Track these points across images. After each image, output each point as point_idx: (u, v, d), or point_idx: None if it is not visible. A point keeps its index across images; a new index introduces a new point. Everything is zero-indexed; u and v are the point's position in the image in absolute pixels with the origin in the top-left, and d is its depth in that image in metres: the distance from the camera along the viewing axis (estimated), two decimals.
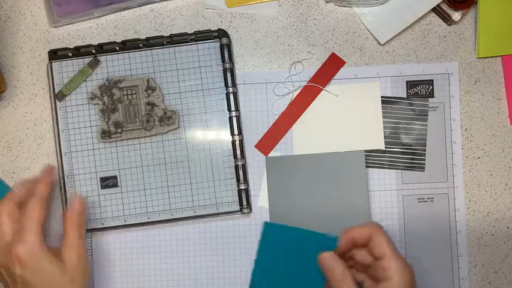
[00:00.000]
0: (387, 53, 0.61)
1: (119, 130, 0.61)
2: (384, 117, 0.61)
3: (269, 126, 0.61)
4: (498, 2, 0.60)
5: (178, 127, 0.61)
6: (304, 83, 0.61)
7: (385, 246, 0.47)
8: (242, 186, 0.60)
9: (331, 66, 0.61)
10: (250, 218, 0.61)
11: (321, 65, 0.61)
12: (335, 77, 0.61)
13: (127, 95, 0.61)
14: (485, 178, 0.61)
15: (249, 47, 0.62)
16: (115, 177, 0.61)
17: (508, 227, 0.60)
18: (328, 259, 0.49)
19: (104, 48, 0.61)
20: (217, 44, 0.61)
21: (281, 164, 0.60)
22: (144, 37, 0.61)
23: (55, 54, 0.61)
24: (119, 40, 0.62)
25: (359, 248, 0.51)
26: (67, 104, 0.61)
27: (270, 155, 0.61)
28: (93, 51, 0.61)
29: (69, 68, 0.61)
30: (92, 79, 0.61)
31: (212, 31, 0.61)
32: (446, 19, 0.61)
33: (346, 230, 0.50)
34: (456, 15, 0.60)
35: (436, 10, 0.61)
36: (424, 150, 0.60)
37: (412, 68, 0.61)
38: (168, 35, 0.61)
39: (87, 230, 0.60)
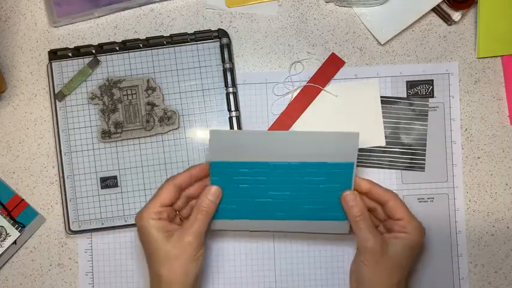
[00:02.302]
0: (387, 53, 0.61)
1: (119, 130, 0.61)
2: (384, 117, 0.61)
3: (269, 126, 0.61)
4: (498, 2, 0.60)
5: (178, 127, 0.61)
6: (304, 83, 0.61)
7: (403, 210, 0.52)
8: None
9: (331, 66, 0.61)
10: None
11: (320, 65, 0.61)
12: (335, 77, 0.61)
13: (127, 95, 0.61)
14: (485, 178, 0.61)
15: (249, 47, 0.62)
16: (115, 177, 0.61)
17: (508, 227, 0.60)
18: (350, 196, 0.53)
19: (104, 48, 0.61)
20: (217, 44, 0.61)
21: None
22: (144, 37, 0.61)
23: (55, 54, 0.61)
24: (119, 40, 0.62)
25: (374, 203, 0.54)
26: (67, 104, 0.61)
27: None
28: (93, 51, 0.61)
29: (69, 68, 0.61)
30: (92, 79, 0.61)
31: (212, 31, 0.61)
32: (446, 19, 0.61)
33: (371, 182, 0.53)
34: (456, 15, 0.60)
35: (436, 10, 0.61)
36: (424, 150, 0.60)
37: (412, 68, 0.61)
38: (168, 35, 0.61)
39: (87, 230, 0.61)
